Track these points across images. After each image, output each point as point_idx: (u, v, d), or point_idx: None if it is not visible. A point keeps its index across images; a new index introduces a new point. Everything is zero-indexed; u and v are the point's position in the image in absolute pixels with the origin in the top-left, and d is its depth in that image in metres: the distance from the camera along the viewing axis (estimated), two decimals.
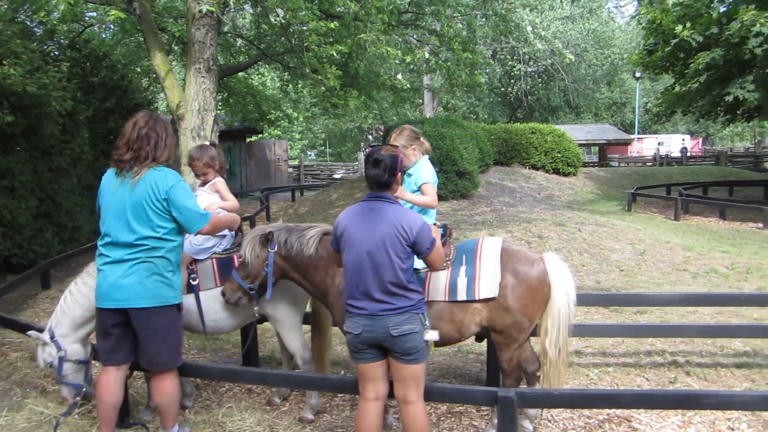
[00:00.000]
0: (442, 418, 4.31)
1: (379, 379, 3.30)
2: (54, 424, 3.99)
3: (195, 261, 4.23)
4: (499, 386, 4.02)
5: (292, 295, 4.33)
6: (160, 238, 3.46)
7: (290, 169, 29.65)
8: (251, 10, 13.71)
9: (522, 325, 3.78)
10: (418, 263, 3.61)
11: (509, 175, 17.46)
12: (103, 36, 15.26)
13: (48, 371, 4.35)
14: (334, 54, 9.64)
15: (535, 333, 3.98)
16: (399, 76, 16.49)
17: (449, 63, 13.08)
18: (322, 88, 11.32)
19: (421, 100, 30.42)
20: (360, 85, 14.61)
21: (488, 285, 3.71)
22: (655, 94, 34.27)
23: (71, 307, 3.94)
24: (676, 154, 37.23)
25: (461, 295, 3.72)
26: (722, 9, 14.77)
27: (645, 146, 42.45)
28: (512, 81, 37.82)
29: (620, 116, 46.85)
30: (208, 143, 4.73)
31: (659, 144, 40.51)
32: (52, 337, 3.90)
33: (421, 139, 4.14)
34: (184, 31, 10.44)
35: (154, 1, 11.48)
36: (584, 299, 5.29)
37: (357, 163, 31.48)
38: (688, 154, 37.79)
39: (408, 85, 14.87)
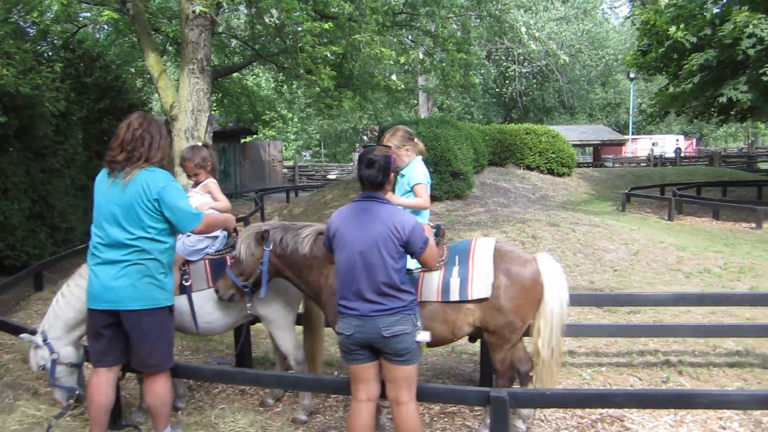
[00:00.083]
0: (435, 419, 4.31)
1: (371, 380, 3.30)
2: (46, 427, 3.98)
3: (188, 262, 4.21)
4: (492, 386, 4.02)
5: (285, 296, 4.33)
6: (151, 239, 3.45)
7: (285, 170, 29.60)
8: (246, 11, 13.68)
9: (515, 325, 3.78)
10: (411, 263, 3.61)
11: (504, 175, 17.48)
12: (97, 36, 15.19)
13: (40, 374, 4.33)
14: (329, 55, 9.62)
15: (528, 333, 3.99)
16: (394, 77, 16.46)
17: (444, 64, 13.08)
18: (317, 88, 11.29)
19: (415, 101, 30.42)
20: (354, 86, 14.59)
21: (481, 285, 3.71)
22: (650, 94, 34.37)
23: (64, 310, 3.92)
24: (670, 154, 37.35)
25: (454, 296, 3.73)
26: (716, 10, 14.84)
27: (639, 147, 42.62)
28: (507, 82, 37.92)
29: (614, 117, 47.01)
30: (200, 144, 4.73)
31: (653, 144, 40.65)
32: (45, 340, 3.88)
33: (415, 140, 4.15)
34: (178, 31, 10.40)
35: (148, 2, 11.43)
36: (578, 299, 5.30)
37: (352, 163, 31.43)
38: (682, 155, 37.93)
39: (403, 86, 14.88)
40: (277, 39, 12.60)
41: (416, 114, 30.57)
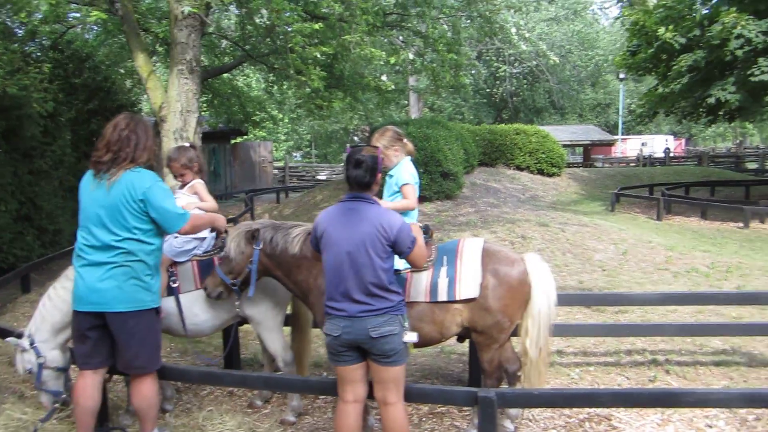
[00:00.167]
0: (423, 419, 4.31)
1: (358, 382, 3.30)
2: (32, 430, 3.95)
3: (175, 263, 4.19)
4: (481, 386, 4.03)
5: (274, 297, 4.31)
6: (137, 240, 3.43)
7: (275, 171, 29.53)
8: (236, 11, 13.65)
9: (502, 325, 3.79)
10: (400, 264, 3.62)
11: (494, 175, 17.52)
12: (86, 37, 15.09)
13: (27, 377, 4.30)
14: (319, 55, 9.63)
15: (516, 333, 4.00)
16: (384, 78, 16.48)
17: (434, 64, 13.11)
18: (307, 89, 11.30)
19: (406, 102, 30.45)
20: (345, 87, 14.60)
21: (469, 285, 3.72)
22: (639, 95, 34.60)
23: (51, 312, 3.89)
24: (660, 154, 37.56)
25: (442, 296, 3.74)
26: (704, 11, 14.97)
27: (629, 147, 42.82)
28: (497, 82, 38.03)
29: (604, 117, 47.21)
30: (187, 144, 4.69)
31: (643, 145, 40.85)
32: (31, 344, 3.84)
33: (404, 140, 4.15)
34: (167, 32, 10.34)
35: (137, 2, 11.38)
36: (566, 299, 5.32)
37: (342, 164, 31.43)
38: (671, 155, 38.15)
39: (393, 87, 14.91)
40: (268, 39, 12.59)
41: (407, 114, 30.59)
